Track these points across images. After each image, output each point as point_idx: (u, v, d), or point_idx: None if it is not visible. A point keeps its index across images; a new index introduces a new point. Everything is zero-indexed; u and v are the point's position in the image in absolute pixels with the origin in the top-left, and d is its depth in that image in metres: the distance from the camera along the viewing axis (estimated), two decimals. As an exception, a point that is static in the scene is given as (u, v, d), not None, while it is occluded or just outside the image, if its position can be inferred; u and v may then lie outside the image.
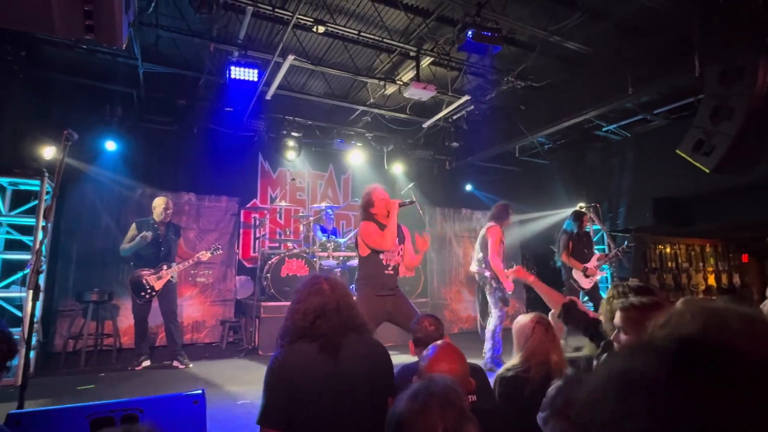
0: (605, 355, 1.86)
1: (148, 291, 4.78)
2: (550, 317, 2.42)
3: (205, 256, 5.04)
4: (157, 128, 6.67)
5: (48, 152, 5.21)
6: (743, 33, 4.26)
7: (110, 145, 6.11)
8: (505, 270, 4.54)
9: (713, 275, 10.11)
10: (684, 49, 4.77)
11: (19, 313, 4.38)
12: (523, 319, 2.15)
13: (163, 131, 6.73)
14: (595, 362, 1.91)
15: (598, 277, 5.48)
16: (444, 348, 1.57)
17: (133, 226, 4.92)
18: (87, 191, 5.97)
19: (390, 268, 3.46)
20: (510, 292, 4.45)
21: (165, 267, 4.87)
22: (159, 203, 5.01)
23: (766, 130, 4.22)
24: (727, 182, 6.03)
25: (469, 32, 4.44)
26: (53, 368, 4.79)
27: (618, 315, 1.62)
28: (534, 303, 8.04)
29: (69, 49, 5.13)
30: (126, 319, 5.63)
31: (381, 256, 3.43)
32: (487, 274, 4.58)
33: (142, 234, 4.75)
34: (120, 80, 5.89)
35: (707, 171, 4.41)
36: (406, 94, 5.74)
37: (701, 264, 9.96)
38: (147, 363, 4.85)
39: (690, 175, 5.77)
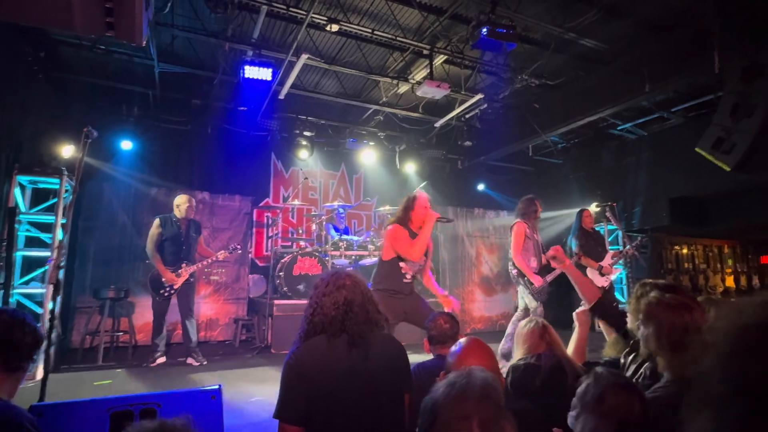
0: (633, 354, 1.82)
1: (167, 288, 4.84)
2: (575, 314, 2.40)
3: (223, 255, 5.10)
4: (172, 127, 6.76)
5: (67, 151, 5.30)
6: (764, 30, 4.17)
7: (126, 144, 6.19)
8: (533, 260, 4.48)
9: (731, 277, 9.89)
10: (702, 45, 4.67)
11: (39, 309, 4.46)
12: (519, 327, 2.21)
13: (178, 130, 6.81)
14: (622, 361, 1.87)
15: (614, 276, 5.38)
16: (473, 343, 1.56)
17: (157, 222, 4.95)
18: (104, 189, 6.06)
19: (408, 276, 3.46)
20: (541, 286, 4.36)
21: (184, 265, 4.92)
22: (183, 201, 5.04)
23: (789, 128, 4.11)
24: (745, 182, 5.89)
25: (484, 30, 4.41)
26: (71, 363, 4.87)
27: (644, 309, 1.59)
28: (549, 303, 7.93)
29: (87, 50, 5.21)
30: (141, 316, 5.71)
31: (401, 264, 3.39)
32: (514, 272, 4.53)
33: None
34: (136, 80, 5.98)
35: (727, 169, 4.32)
36: (419, 93, 5.72)
37: (719, 265, 9.76)
38: (162, 359, 4.90)
39: (707, 174, 5.66)
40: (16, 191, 4.63)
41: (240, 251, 5.45)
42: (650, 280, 1.77)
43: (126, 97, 6.29)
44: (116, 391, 3.76)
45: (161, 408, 1.97)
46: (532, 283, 4.36)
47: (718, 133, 4.39)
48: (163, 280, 4.81)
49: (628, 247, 5.18)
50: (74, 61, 5.59)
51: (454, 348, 1.57)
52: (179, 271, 4.88)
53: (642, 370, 1.72)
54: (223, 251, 5.09)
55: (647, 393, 1.45)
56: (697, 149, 4.51)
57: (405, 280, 3.42)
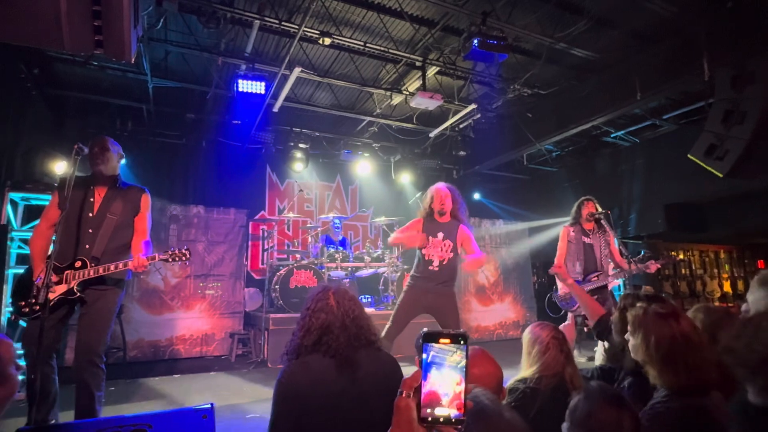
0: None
1: None
2: (562, 326, 2.36)
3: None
4: (166, 142, 6.76)
5: (59, 167, 5.27)
6: (752, 37, 4.23)
7: (120, 160, 6.17)
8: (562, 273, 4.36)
9: (728, 282, 9.91)
10: (691, 54, 4.74)
11: (30, 327, 4.39)
12: (537, 330, 2.07)
13: (172, 145, 6.81)
14: (618, 377, 1.85)
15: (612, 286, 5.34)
16: (476, 353, 1.53)
17: None
18: (98, 205, 6.02)
19: (434, 264, 3.56)
20: (565, 294, 4.27)
21: None
22: None
23: (780, 134, 4.15)
24: (740, 186, 5.93)
25: (475, 41, 4.45)
26: (64, 382, 4.78)
27: (631, 320, 1.58)
28: (546, 312, 7.91)
29: (81, 66, 5.23)
30: (135, 333, 5.64)
31: (423, 250, 3.60)
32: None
33: None
34: (130, 95, 6.00)
35: (721, 176, 4.34)
36: (412, 104, 5.75)
37: (716, 270, 9.77)
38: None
39: (702, 180, 5.68)
40: (8, 208, 4.60)
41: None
42: (632, 292, 1.78)
43: (120, 112, 6.29)
44: (108, 410, 3.69)
45: (152, 429, 1.93)
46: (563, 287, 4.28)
47: (710, 140, 4.42)
48: None
49: (632, 265, 4.94)
50: (68, 77, 5.60)
51: None
52: None
53: (625, 381, 1.71)
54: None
55: (647, 408, 1.43)
56: (689, 156, 4.54)
57: (431, 268, 3.55)
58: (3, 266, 4.43)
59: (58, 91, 5.70)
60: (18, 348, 3.77)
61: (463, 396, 0.81)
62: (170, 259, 2.99)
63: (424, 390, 0.82)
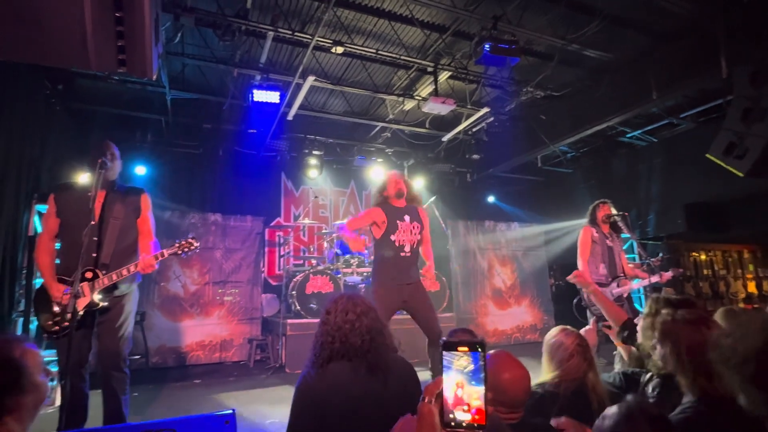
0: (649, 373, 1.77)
1: None
2: (583, 331, 2.34)
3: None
4: (184, 152, 6.93)
5: (84, 179, 5.44)
6: (771, 32, 4.15)
7: (140, 170, 6.36)
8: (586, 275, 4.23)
9: (753, 282, 9.63)
10: (708, 51, 4.66)
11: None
12: (561, 336, 2.04)
13: (190, 154, 6.97)
14: (644, 380, 1.82)
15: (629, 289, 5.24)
16: (502, 357, 1.54)
17: None
18: (119, 215, 6.18)
19: (406, 250, 3.49)
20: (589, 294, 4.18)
21: None
22: None
23: (803, 131, 4.05)
24: (763, 184, 5.78)
25: (486, 45, 4.46)
26: (90, 388, 4.91)
27: (659, 327, 1.55)
28: (563, 315, 7.83)
29: (103, 81, 5.41)
30: (157, 339, 5.76)
31: (393, 236, 3.48)
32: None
33: None
34: (149, 108, 6.16)
35: (741, 175, 4.25)
36: (425, 109, 5.78)
37: (740, 271, 9.51)
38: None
39: (723, 178, 5.54)
40: (35, 219, 4.76)
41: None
42: (662, 295, 1.73)
43: (140, 124, 6.48)
44: (132, 417, 3.78)
45: (176, 434, 1.98)
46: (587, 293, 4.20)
47: (729, 137, 4.34)
48: None
49: (656, 277, 4.69)
50: (90, 92, 5.79)
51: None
52: None
53: (651, 385, 1.68)
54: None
55: (676, 412, 1.39)
56: (708, 155, 4.46)
57: (403, 254, 3.47)
58: (31, 277, 4.59)
59: (81, 105, 5.89)
60: (49, 355, 3.90)
61: (483, 401, 0.83)
62: (179, 252, 2.91)
63: (446, 395, 0.84)
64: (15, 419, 1.30)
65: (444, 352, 0.85)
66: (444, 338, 0.89)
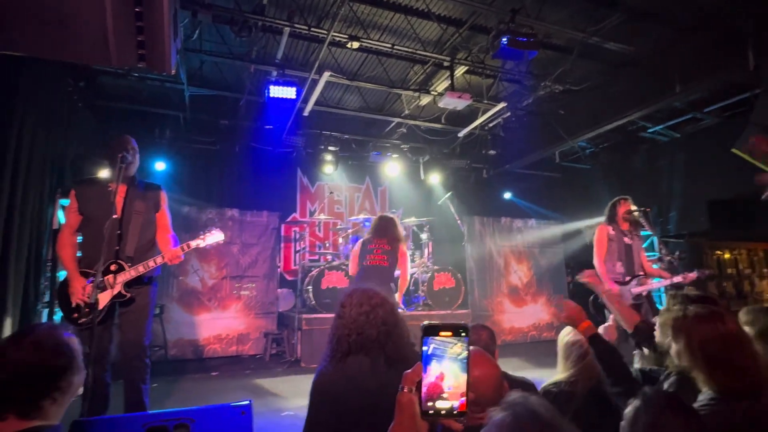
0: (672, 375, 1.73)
1: None
2: (602, 328, 2.29)
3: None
4: (201, 148, 7.02)
5: (104, 174, 5.56)
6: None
7: (160, 166, 6.47)
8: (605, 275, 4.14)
9: (779, 282, 9.33)
10: (734, 43, 4.51)
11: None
12: (576, 335, 1.99)
13: (208, 150, 7.07)
14: (662, 378, 1.78)
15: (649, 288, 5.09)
16: (475, 354, 1.52)
17: None
18: (139, 210, 6.31)
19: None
20: (618, 291, 4.08)
21: None
22: None
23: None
24: (791, 181, 5.58)
25: (504, 39, 4.39)
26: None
27: (671, 324, 1.52)
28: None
29: (122, 78, 5.51)
30: (176, 332, 5.87)
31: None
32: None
33: None
34: (168, 104, 6.26)
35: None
36: (440, 104, 5.74)
37: (765, 270, 9.23)
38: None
39: (749, 174, 5.39)
40: (59, 213, 4.88)
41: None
42: (682, 292, 1.70)
43: (159, 121, 6.59)
44: (151, 407, 3.86)
45: (194, 423, 2.02)
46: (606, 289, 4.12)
47: (756, 132, 4.20)
48: None
49: (679, 277, 4.50)
50: (111, 89, 5.91)
51: None
52: None
53: (668, 382, 1.64)
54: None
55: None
56: (733, 150, 4.33)
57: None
58: (55, 269, 4.71)
59: (102, 102, 6.02)
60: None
61: (465, 388, 0.80)
62: (204, 242, 3.02)
63: (426, 383, 0.81)
64: (58, 403, 1.36)
65: (424, 337, 0.82)
66: (426, 322, 0.85)
